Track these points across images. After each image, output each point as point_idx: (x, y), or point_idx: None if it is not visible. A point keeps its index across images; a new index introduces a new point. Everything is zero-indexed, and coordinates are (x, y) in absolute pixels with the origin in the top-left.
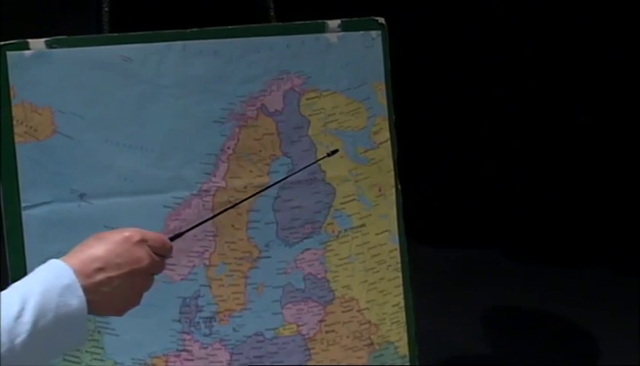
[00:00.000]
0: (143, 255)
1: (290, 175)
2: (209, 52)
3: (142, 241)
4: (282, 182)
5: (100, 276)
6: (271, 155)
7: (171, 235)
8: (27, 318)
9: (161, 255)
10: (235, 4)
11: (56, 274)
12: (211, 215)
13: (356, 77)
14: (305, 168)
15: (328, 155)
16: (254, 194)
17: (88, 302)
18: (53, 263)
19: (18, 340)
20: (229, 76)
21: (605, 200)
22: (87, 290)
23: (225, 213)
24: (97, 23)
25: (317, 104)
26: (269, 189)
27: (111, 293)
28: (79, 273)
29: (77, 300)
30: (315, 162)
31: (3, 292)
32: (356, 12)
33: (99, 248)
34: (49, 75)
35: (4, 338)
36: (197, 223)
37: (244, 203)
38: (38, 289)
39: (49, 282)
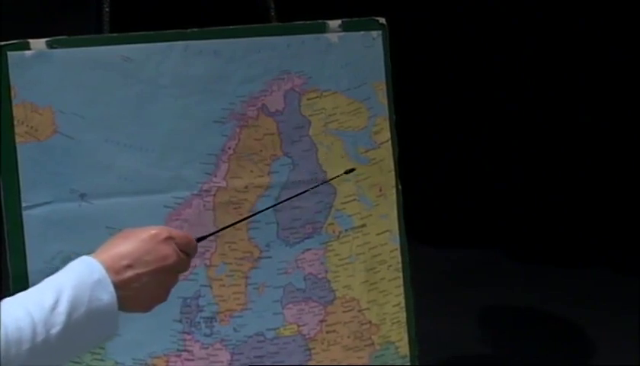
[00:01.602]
0: (170, 252)
1: (308, 190)
2: (210, 52)
3: (169, 238)
4: (283, 182)
5: (130, 273)
6: (272, 155)
7: (198, 236)
8: (62, 309)
9: (186, 253)
10: (236, 4)
11: (88, 270)
12: (236, 219)
13: (356, 77)
14: (322, 183)
15: (346, 172)
16: (281, 202)
17: (118, 298)
18: (84, 259)
19: (53, 331)
20: (230, 76)
21: (605, 200)
22: (117, 286)
23: (226, 213)
24: (97, 23)
25: (317, 104)
26: (270, 190)
27: (140, 290)
28: (109, 269)
29: (108, 295)
30: (330, 180)
31: (36, 286)
32: (356, 12)
33: (127, 245)
34: (50, 75)
35: (40, 329)
36: (225, 226)
37: (247, 204)
38: (71, 283)
39: (81, 277)
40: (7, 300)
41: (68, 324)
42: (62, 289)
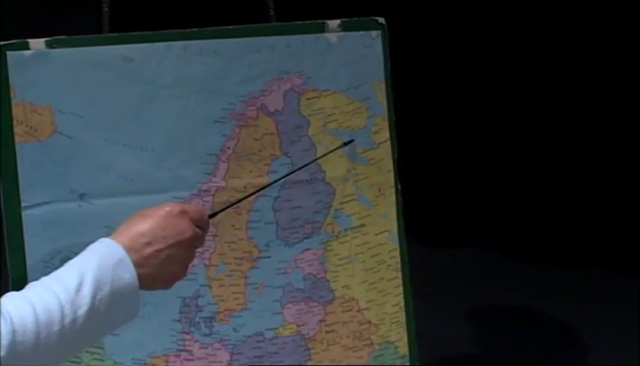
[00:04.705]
0: (186, 226)
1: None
2: (209, 52)
3: (183, 212)
4: (282, 181)
5: (149, 249)
6: (271, 155)
7: (210, 212)
8: (87, 290)
9: (200, 227)
10: (235, 4)
11: (108, 251)
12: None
13: (356, 77)
14: (323, 157)
15: (345, 144)
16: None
17: (139, 276)
18: (104, 241)
19: (80, 312)
20: (229, 76)
21: (605, 200)
22: (137, 264)
23: (225, 213)
24: (97, 23)
25: (317, 104)
26: (269, 190)
27: (159, 266)
28: (129, 249)
29: (129, 274)
30: (330, 152)
31: (59, 269)
32: (356, 12)
33: (145, 223)
34: (49, 75)
35: (67, 310)
36: (233, 202)
37: (246, 204)
38: (93, 264)
39: (102, 258)
40: (32, 284)
41: (94, 304)
42: (85, 270)
